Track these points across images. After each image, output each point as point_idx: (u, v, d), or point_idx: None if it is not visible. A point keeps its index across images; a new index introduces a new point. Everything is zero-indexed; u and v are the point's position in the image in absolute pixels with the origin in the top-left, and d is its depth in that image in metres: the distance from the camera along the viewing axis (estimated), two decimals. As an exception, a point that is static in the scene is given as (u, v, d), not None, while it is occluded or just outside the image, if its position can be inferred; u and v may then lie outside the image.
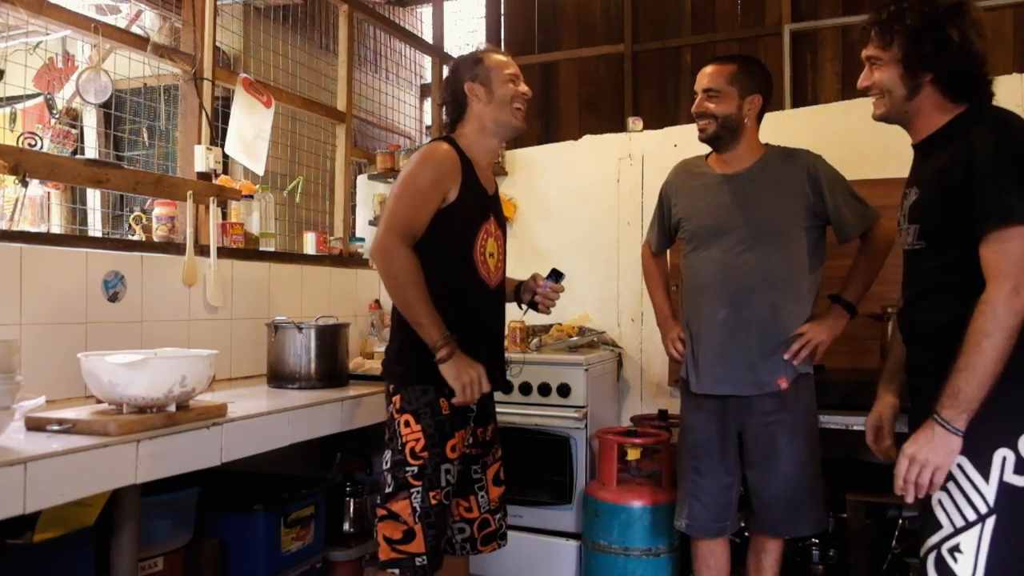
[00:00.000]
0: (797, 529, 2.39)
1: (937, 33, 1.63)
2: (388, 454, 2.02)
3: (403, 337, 2.04)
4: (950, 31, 1.62)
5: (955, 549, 1.55)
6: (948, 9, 1.63)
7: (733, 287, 2.33)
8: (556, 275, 2.28)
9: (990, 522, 1.54)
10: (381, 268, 1.97)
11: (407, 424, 1.99)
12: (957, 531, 1.55)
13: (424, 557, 1.96)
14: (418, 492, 1.96)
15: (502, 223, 2.23)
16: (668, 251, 2.73)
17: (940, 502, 1.58)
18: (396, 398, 2.03)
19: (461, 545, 2.18)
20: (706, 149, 2.50)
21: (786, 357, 2.30)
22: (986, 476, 1.54)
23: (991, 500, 1.54)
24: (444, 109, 2.20)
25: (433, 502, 1.97)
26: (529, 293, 2.30)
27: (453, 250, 2.04)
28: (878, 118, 1.77)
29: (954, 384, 1.51)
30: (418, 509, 1.96)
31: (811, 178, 2.34)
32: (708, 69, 2.40)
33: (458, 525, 2.16)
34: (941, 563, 1.56)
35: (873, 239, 2.35)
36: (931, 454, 1.52)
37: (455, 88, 2.14)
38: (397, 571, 1.96)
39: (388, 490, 1.99)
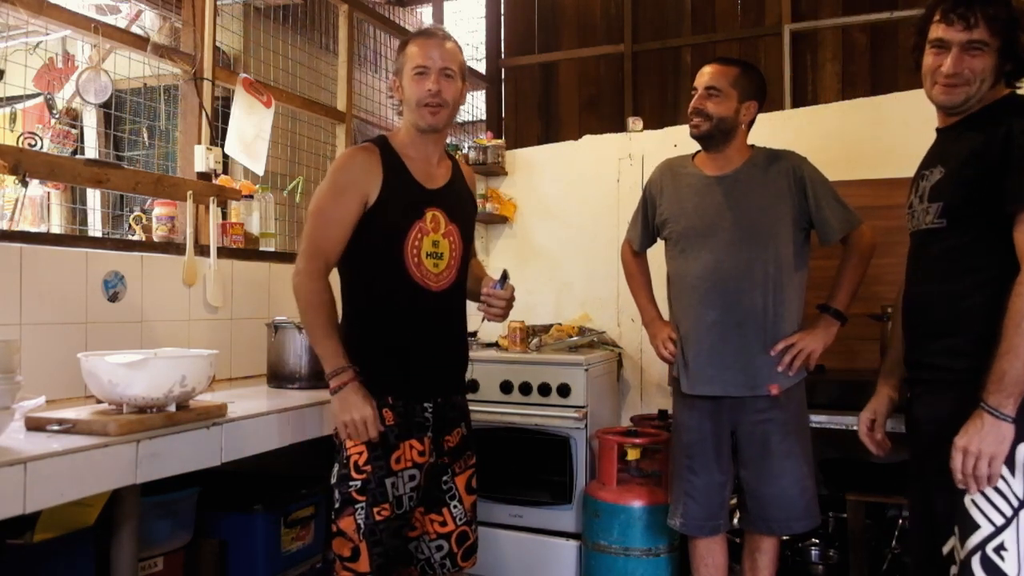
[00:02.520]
0: (790, 527, 2.39)
1: None
2: (336, 468, 1.94)
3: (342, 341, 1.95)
4: None
5: (1000, 548, 1.55)
6: None
7: (723, 289, 2.34)
8: (502, 279, 2.08)
9: (1023, 514, 1.54)
10: (294, 291, 1.93)
11: (350, 436, 1.91)
12: (999, 529, 1.55)
13: None
14: (362, 508, 1.87)
15: (458, 218, 2.03)
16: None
17: (974, 501, 1.58)
18: None
19: (441, 563, 2.05)
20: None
21: (780, 369, 2.31)
22: (1013, 471, 1.54)
23: (1021, 494, 1.54)
24: None
25: (378, 518, 1.87)
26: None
27: (381, 253, 1.93)
28: (955, 105, 1.69)
29: (998, 369, 1.51)
30: (362, 526, 1.87)
31: (796, 180, 2.36)
32: (710, 68, 2.40)
33: (435, 543, 2.04)
34: (988, 563, 1.55)
35: (856, 244, 2.36)
36: (983, 443, 1.52)
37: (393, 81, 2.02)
38: None
39: (336, 506, 1.91)
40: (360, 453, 1.90)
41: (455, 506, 2.04)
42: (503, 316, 2.10)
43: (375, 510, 1.88)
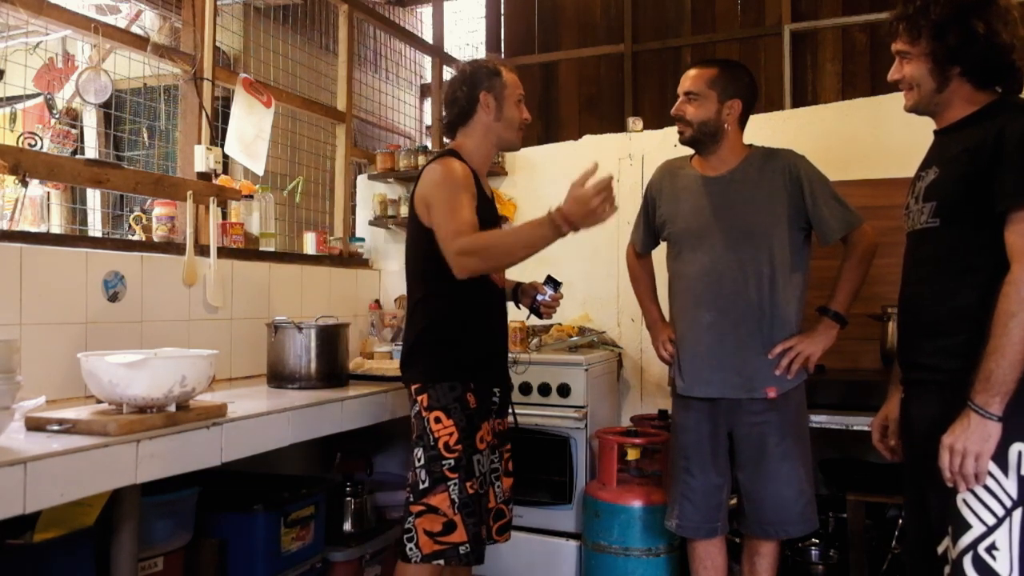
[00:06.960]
0: (786, 531, 2.36)
1: (962, 26, 1.62)
2: (419, 452, 2.06)
3: (420, 336, 2.12)
4: (975, 23, 1.61)
5: (992, 547, 1.54)
6: (974, 1, 1.63)
7: (718, 290, 2.32)
8: (554, 283, 2.34)
9: (1016, 515, 1.54)
10: (474, 258, 1.98)
11: (438, 420, 2.05)
12: (991, 529, 1.55)
13: (467, 545, 2.03)
14: (455, 484, 2.03)
15: (500, 225, 2.30)
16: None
17: (965, 501, 1.57)
18: (423, 397, 2.08)
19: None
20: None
21: (777, 373, 2.29)
22: (1005, 471, 1.54)
23: (1014, 494, 1.54)
24: (447, 109, 2.23)
25: (470, 491, 2.04)
26: (528, 298, 2.37)
27: None
28: (909, 110, 1.78)
29: (985, 368, 1.51)
30: (456, 500, 2.03)
31: (792, 178, 2.33)
32: (690, 72, 2.40)
33: None
34: (980, 563, 1.55)
35: (856, 244, 2.32)
36: (968, 441, 1.52)
37: (470, 93, 2.17)
38: (442, 562, 2.02)
39: (424, 486, 2.04)
40: (451, 435, 2.05)
41: (497, 485, 2.24)
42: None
43: (468, 484, 2.05)
